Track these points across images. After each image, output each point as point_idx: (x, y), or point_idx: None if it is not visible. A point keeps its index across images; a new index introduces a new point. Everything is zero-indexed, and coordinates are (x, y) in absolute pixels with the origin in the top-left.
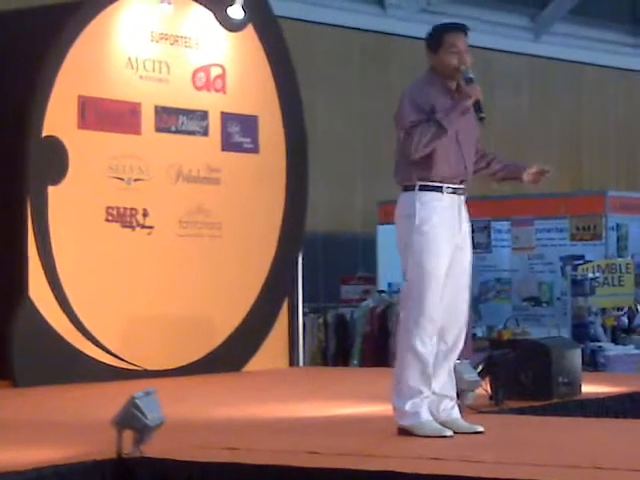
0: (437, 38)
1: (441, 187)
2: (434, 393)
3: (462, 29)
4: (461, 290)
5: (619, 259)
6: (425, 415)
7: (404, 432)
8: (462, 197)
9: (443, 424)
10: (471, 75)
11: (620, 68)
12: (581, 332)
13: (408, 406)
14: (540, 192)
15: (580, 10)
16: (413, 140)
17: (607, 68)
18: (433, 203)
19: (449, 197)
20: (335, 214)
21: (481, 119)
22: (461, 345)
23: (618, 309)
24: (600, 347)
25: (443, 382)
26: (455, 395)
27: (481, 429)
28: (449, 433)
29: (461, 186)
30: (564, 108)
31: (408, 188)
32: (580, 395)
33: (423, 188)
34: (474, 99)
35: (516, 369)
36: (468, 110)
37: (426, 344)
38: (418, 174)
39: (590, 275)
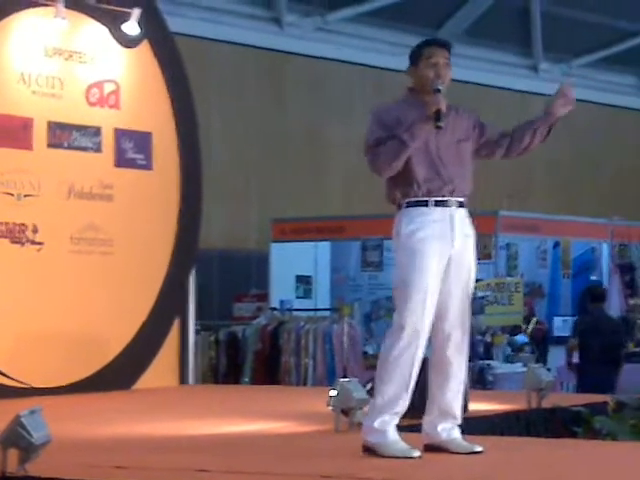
0: (417, 51)
1: (426, 201)
2: (438, 409)
3: (443, 44)
4: (458, 303)
5: (509, 278)
6: (392, 435)
7: (368, 450)
8: (458, 209)
9: (442, 444)
10: (439, 87)
11: (514, 89)
12: (470, 350)
13: (377, 423)
14: None
15: (475, 31)
16: (379, 159)
17: (501, 89)
18: (420, 218)
19: (439, 210)
20: (229, 231)
21: (437, 127)
22: (462, 360)
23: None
24: (488, 365)
25: (449, 399)
26: (459, 415)
27: (480, 449)
28: (416, 454)
29: (453, 198)
30: None
31: (397, 206)
32: (467, 412)
33: (409, 205)
34: (434, 108)
35: None
36: (430, 120)
37: (403, 357)
38: (401, 191)
39: (480, 294)
